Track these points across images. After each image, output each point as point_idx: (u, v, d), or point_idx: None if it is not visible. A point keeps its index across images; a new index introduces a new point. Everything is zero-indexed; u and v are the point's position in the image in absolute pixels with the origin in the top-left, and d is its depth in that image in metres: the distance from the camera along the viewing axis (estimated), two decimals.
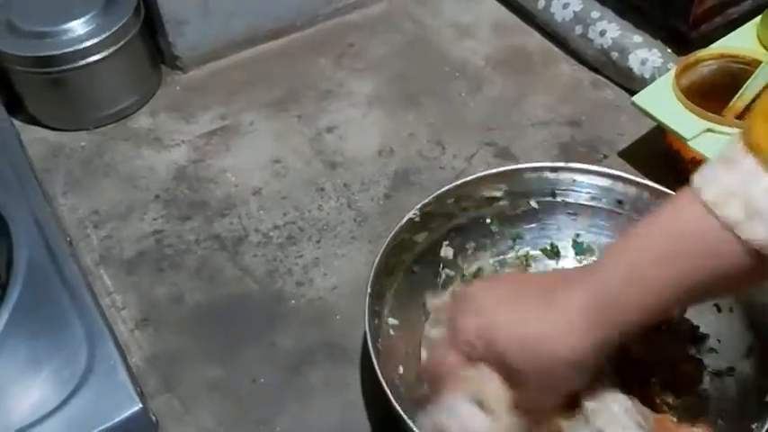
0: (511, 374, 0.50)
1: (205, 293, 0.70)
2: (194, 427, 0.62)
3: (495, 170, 0.68)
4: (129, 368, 0.53)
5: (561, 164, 0.68)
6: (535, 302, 0.50)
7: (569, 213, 0.68)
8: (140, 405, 0.50)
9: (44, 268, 0.58)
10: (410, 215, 0.65)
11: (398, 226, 0.64)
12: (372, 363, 0.56)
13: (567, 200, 0.68)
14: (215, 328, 0.68)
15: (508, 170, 0.68)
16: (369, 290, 0.60)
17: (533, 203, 0.68)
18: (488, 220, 0.68)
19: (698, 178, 0.45)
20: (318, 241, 0.74)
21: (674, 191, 0.50)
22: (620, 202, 0.66)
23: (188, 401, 0.63)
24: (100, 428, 0.49)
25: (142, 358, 0.66)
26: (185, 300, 0.70)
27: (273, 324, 0.68)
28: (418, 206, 0.65)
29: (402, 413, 0.53)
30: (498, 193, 0.67)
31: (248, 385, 0.64)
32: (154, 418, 0.52)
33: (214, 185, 0.79)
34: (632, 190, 0.65)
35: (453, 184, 0.67)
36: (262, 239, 0.74)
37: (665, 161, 0.74)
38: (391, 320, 0.62)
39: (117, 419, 0.49)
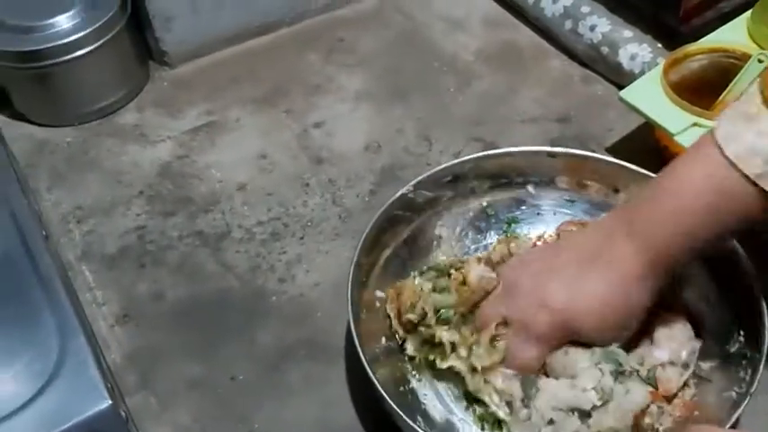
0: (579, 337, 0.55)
1: (186, 290, 0.70)
2: (171, 425, 0.61)
3: (493, 151, 0.68)
4: (101, 364, 0.52)
5: (560, 149, 0.67)
6: (596, 273, 0.54)
7: (566, 200, 0.68)
8: (110, 402, 0.49)
9: (19, 263, 0.57)
10: (404, 190, 0.64)
11: (391, 200, 0.63)
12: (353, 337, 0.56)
13: (564, 185, 0.67)
14: (195, 324, 0.67)
15: (506, 152, 0.67)
16: (355, 259, 0.59)
17: (530, 188, 0.68)
18: (484, 203, 0.68)
19: (720, 132, 0.49)
20: (302, 237, 0.73)
21: None
22: (616, 190, 0.66)
23: (165, 399, 0.62)
24: (68, 424, 0.48)
25: (121, 355, 0.65)
26: (166, 296, 0.69)
27: (254, 321, 0.67)
28: (413, 182, 0.65)
29: (375, 381, 0.53)
30: (495, 176, 0.67)
31: (227, 382, 0.63)
32: (124, 415, 0.51)
33: (198, 181, 0.79)
34: (630, 178, 0.65)
35: (451, 162, 0.66)
36: (245, 235, 0.74)
37: (653, 157, 0.73)
38: (378, 293, 0.62)
39: (86, 415, 0.48)
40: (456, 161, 0.67)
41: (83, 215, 0.76)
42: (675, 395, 0.56)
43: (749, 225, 0.51)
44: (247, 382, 0.63)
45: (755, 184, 0.47)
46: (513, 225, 0.68)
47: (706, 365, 0.58)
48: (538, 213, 0.68)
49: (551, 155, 0.67)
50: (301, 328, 0.66)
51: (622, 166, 0.65)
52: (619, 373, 0.54)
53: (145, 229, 0.75)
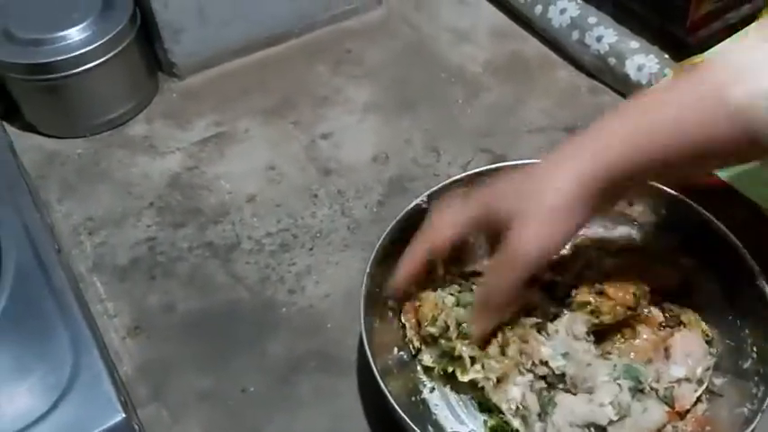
0: (502, 225, 0.53)
1: (197, 301, 0.70)
2: None
3: (507, 163, 0.68)
4: (114, 377, 0.53)
5: None
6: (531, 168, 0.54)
7: None
8: (123, 415, 0.49)
9: (32, 276, 0.58)
10: (418, 201, 0.65)
11: (405, 210, 0.64)
12: (365, 347, 0.56)
13: None
14: (206, 336, 0.68)
15: (521, 164, 0.67)
16: (368, 269, 0.60)
17: None
18: None
19: (715, 51, 0.49)
20: (311, 249, 0.74)
21: None
22: (630, 203, 0.66)
23: (177, 411, 0.63)
24: None
25: (133, 367, 0.66)
26: (177, 308, 0.70)
27: (264, 333, 0.67)
28: (427, 192, 0.65)
29: (386, 390, 0.54)
30: None
31: (238, 395, 0.64)
32: (137, 429, 0.52)
33: (208, 193, 0.79)
34: (645, 190, 0.64)
35: (465, 173, 0.67)
36: (254, 247, 0.74)
37: None
38: (391, 303, 0.63)
39: (100, 429, 0.49)
40: (470, 172, 0.67)
41: (94, 227, 0.77)
42: (688, 411, 0.56)
43: (724, 157, 0.49)
44: (258, 395, 0.64)
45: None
46: None
47: (719, 381, 0.58)
48: None
49: None
50: (312, 340, 0.67)
51: None
52: (637, 391, 0.54)
53: (155, 240, 0.75)
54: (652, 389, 0.55)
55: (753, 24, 0.49)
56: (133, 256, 0.74)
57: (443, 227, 0.57)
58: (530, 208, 0.52)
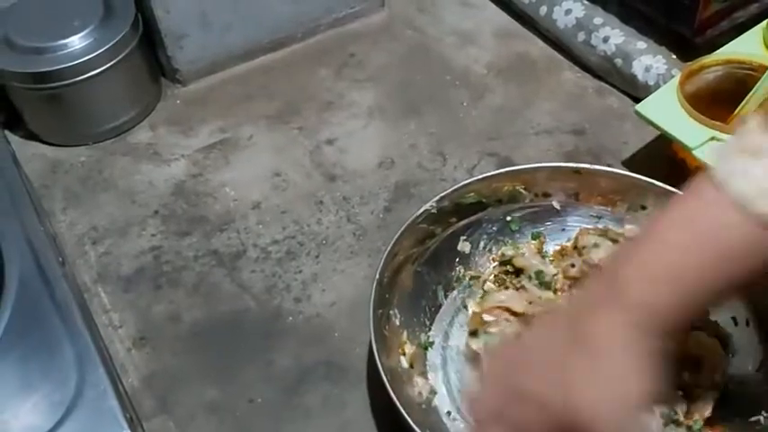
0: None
1: (202, 311, 0.70)
2: None
3: (517, 167, 0.68)
4: (119, 393, 0.52)
5: (586, 165, 0.67)
6: (577, 358, 0.44)
7: (592, 215, 0.67)
8: None
9: (35, 289, 0.57)
10: (427, 206, 0.64)
11: (414, 215, 0.64)
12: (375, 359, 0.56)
13: (589, 201, 0.67)
14: (212, 346, 0.67)
15: (529, 168, 0.67)
16: (377, 276, 0.59)
17: (555, 203, 0.68)
18: (508, 218, 0.68)
19: (722, 169, 0.43)
20: (317, 256, 0.73)
21: None
22: (643, 206, 0.65)
23: (184, 423, 0.62)
24: None
25: (138, 378, 0.65)
26: (183, 318, 0.69)
27: (271, 342, 0.67)
28: (435, 198, 0.65)
29: (396, 400, 0.53)
30: (519, 191, 0.67)
31: (245, 405, 0.63)
32: None
33: (213, 200, 0.78)
34: (657, 194, 0.64)
35: (474, 178, 0.66)
36: (260, 255, 0.73)
37: (670, 170, 0.72)
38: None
39: None
40: (480, 176, 0.67)
41: (98, 236, 0.76)
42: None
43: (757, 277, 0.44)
44: (265, 405, 0.63)
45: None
46: (537, 240, 0.68)
47: (734, 386, 0.57)
48: (563, 229, 0.68)
49: (577, 171, 0.66)
50: (319, 349, 0.66)
51: (649, 182, 0.65)
52: (672, 421, 0.53)
53: (160, 249, 0.74)
54: (687, 425, 0.55)
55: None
56: (138, 265, 0.73)
57: None
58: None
